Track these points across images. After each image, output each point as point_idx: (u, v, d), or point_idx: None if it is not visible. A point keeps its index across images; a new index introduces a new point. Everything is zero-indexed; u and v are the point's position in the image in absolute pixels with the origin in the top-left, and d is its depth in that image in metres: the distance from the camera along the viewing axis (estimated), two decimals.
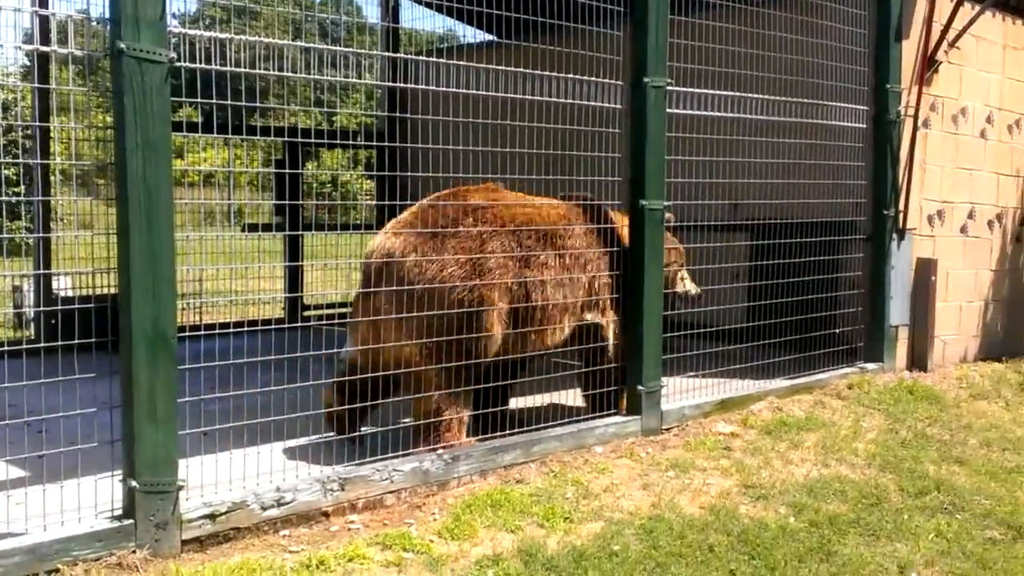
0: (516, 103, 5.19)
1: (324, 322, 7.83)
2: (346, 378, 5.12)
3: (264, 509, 4.11)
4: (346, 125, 11.51)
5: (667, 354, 5.85)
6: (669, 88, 5.66)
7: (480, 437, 5.15)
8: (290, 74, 4.64)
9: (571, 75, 5.37)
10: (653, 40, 5.53)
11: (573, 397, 5.96)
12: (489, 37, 10.27)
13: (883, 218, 7.45)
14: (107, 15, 3.76)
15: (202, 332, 4.37)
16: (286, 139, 8.82)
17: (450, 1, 6.19)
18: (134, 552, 3.73)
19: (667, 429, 5.80)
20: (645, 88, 5.52)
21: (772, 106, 6.43)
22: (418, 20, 11.54)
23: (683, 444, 5.61)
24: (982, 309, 8.63)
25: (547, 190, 5.80)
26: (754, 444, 5.70)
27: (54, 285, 8.14)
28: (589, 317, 5.62)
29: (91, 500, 3.82)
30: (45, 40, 4.16)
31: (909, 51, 7.53)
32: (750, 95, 6.25)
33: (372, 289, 5.00)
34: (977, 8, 7.86)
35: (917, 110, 7.52)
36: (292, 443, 4.45)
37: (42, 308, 7.21)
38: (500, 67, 5.08)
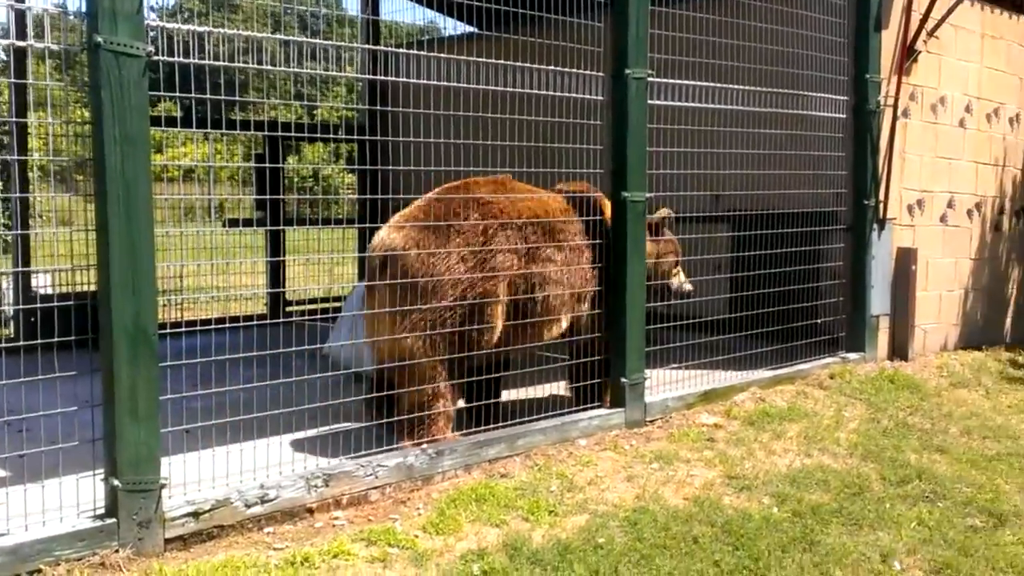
0: (498, 95, 5.18)
1: (307, 318, 7.82)
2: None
3: (248, 506, 4.10)
4: (327, 119, 11.45)
5: (650, 346, 5.86)
6: (650, 79, 5.65)
7: (475, 429, 5.17)
8: (270, 67, 4.61)
9: (553, 67, 5.36)
10: (634, 31, 5.52)
11: (557, 389, 5.97)
12: (470, 29, 10.25)
13: (863, 208, 7.48)
14: (84, 9, 3.73)
15: (183, 329, 4.34)
16: (266, 133, 8.78)
17: None
18: (117, 551, 3.71)
19: (651, 421, 5.81)
20: (626, 79, 5.52)
21: (753, 97, 6.45)
22: (399, 12, 11.51)
23: (667, 436, 5.63)
24: (962, 298, 8.69)
25: (531, 183, 5.80)
26: (737, 435, 5.72)
27: (33, 283, 8.08)
28: (586, 308, 5.65)
29: (73, 499, 3.80)
30: (21, 34, 4.12)
31: (888, 41, 7.55)
32: (731, 86, 6.26)
33: (376, 282, 5.09)
34: None
35: (897, 100, 7.56)
36: (276, 440, 4.43)
37: (21, 306, 7.16)
38: (482, 59, 5.06)
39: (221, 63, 4.16)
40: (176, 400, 4.05)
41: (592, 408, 5.66)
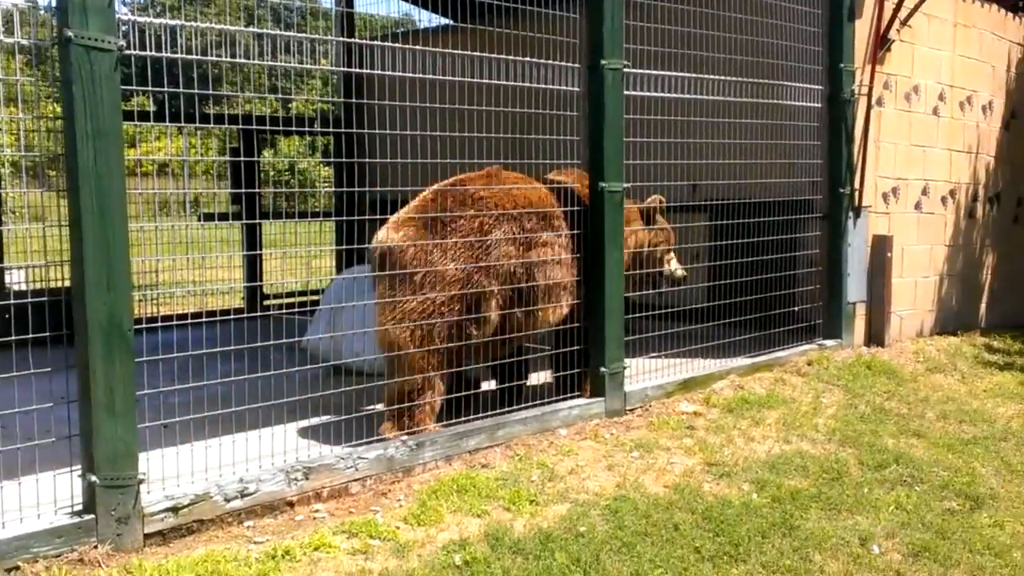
0: (475, 87, 5.17)
1: (284, 311, 7.79)
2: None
3: (228, 500, 4.08)
4: (302, 112, 11.40)
5: (629, 336, 5.87)
6: (626, 70, 5.66)
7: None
8: (244, 61, 4.58)
9: (529, 59, 5.35)
10: (609, 22, 5.52)
11: (539, 379, 5.98)
12: (446, 21, 10.21)
13: (839, 196, 7.53)
14: (54, 3, 3.69)
15: (160, 324, 4.32)
16: (241, 127, 8.72)
17: None
18: (96, 547, 3.68)
19: (631, 410, 5.83)
20: (602, 71, 5.52)
21: (728, 87, 6.47)
22: (373, 4, 11.46)
23: (647, 424, 5.65)
24: (937, 284, 8.76)
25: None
26: (716, 422, 5.75)
27: (7, 279, 8.00)
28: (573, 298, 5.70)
29: (50, 496, 3.78)
30: None
31: (862, 30, 7.59)
32: (707, 76, 6.28)
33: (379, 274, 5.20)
34: None
35: (871, 89, 7.60)
36: (255, 434, 4.42)
37: None
38: (457, 51, 5.05)
39: (194, 57, 4.13)
40: (153, 395, 4.02)
41: (572, 398, 5.67)
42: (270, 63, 4.53)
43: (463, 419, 5.17)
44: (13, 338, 3.69)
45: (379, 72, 4.85)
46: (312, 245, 8.86)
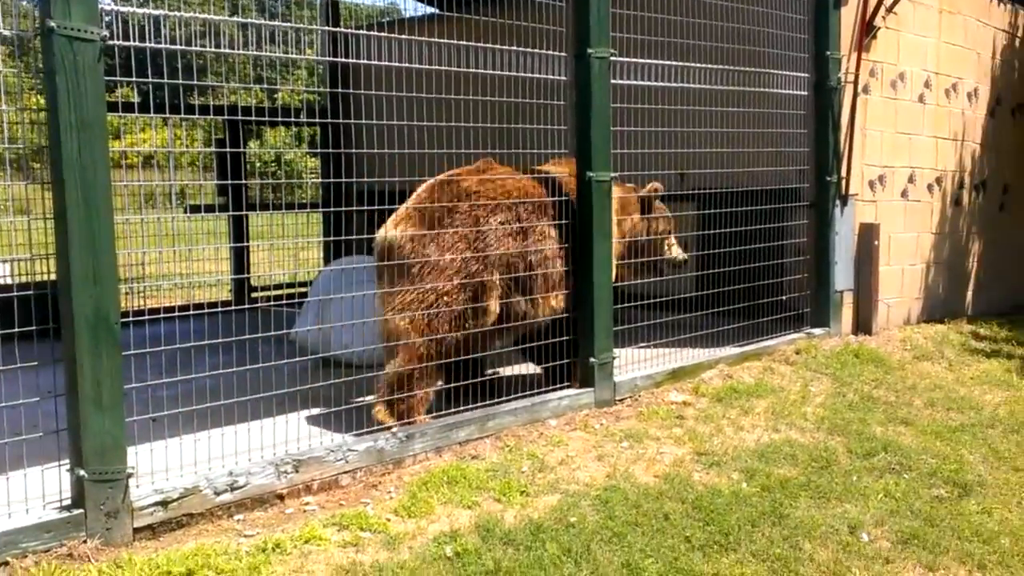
0: (461, 76, 5.15)
1: (272, 303, 7.76)
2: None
3: (217, 494, 4.07)
4: (288, 102, 11.34)
5: (618, 326, 5.88)
6: (613, 59, 5.64)
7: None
8: (229, 51, 4.55)
9: (516, 47, 5.33)
10: (595, 11, 5.50)
11: (527, 368, 5.97)
12: (431, 10, 10.17)
13: (826, 184, 7.53)
14: None
15: (147, 317, 4.29)
16: (226, 117, 8.67)
17: None
18: (85, 542, 3.66)
19: (620, 400, 5.83)
20: (589, 59, 5.50)
21: (715, 75, 6.46)
22: None
23: (636, 414, 5.65)
24: (924, 272, 8.79)
25: (501, 163, 5.77)
26: (706, 412, 5.75)
27: None
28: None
29: (39, 491, 3.75)
30: None
31: (848, 17, 7.59)
32: (693, 64, 6.26)
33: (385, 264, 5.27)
34: None
35: (857, 76, 7.60)
36: (244, 426, 4.40)
37: None
38: (444, 40, 5.03)
39: (179, 47, 4.09)
40: (142, 389, 4.00)
41: (562, 388, 5.66)
42: (255, 53, 4.50)
43: (453, 410, 5.17)
44: None
45: (365, 62, 4.82)
46: (299, 236, 8.83)
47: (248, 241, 8.84)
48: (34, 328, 3.71)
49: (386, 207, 5.04)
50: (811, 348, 7.17)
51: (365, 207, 5.10)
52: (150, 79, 4.06)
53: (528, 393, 5.53)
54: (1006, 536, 4.38)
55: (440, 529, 4.03)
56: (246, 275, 8.64)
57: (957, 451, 5.46)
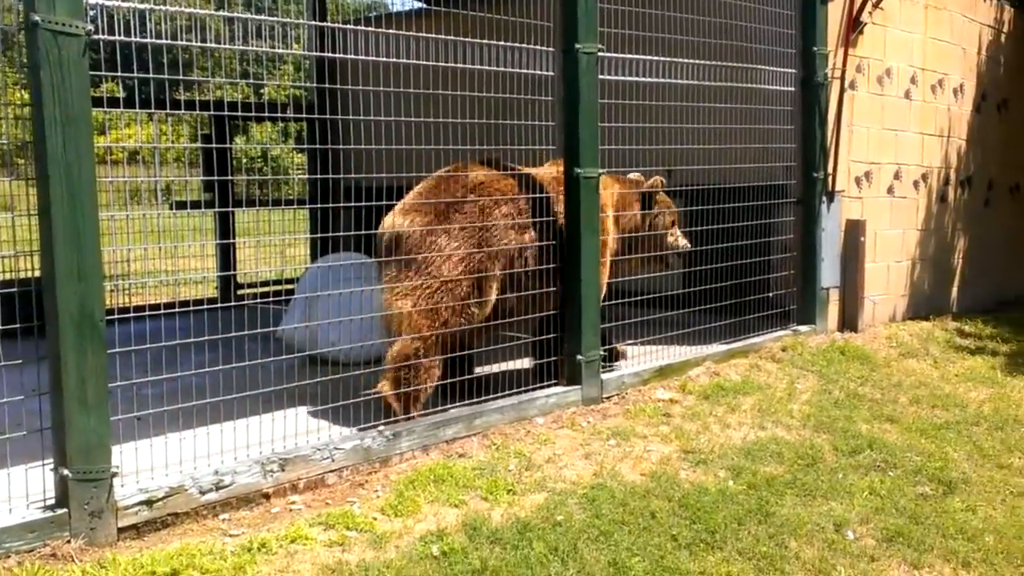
0: (448, 72, 5.12)
1: (259, 300, 7.73)
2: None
3: (203, 493, 4.04)
4: (274, 98, 11.29)
5: (605, 323, 5.88)
6: (601, 54, 5.63)
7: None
8: (215, 46, 4.52)
9: (503, 42, 5.31)
10: (583, 5, 5.48)
11: (515, 366, 5.96)
12: (419, 5, 10.14)
13: (812, 181, 7.54)
14: None
15: (132, 314, 4.26)
16: (213, 113, 8.62)
17: None
18: (69, 542, 3.64)
19: (607, 398, 5.83)
20: (576, 54, 5.49)
21: (703, 71, 6.45)
22: None
23: (623, 412, 5.65)
24: (909, 269, 8.82)
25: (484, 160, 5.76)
26: (693, 409, 5.76)
27: None
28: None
29: (22, 490, 3.73)
30: None
31: (835, 13, 7.60)
32: (681, 60, 6.26)
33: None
34: None
35: (843, 72, 7.61)
36: (230, 425, 4.38)
37: None
38: (431, 35, 5.00)
39: (164, 41, 4.06)
40: (126, 387, 3.97)
41: (549, 386, 5.66)
42: (241, 48, 4.47)
43: (440, 408, 5.16)
44: None
45: (352, 57, 4.79)
46: (286, 233, 8.80)
47: (234, 238, 8.80)
48: (18, 326, 3.68)
49: (373, 203, 5.01)
50: (797, 345, 7.19)
51: (352, 203, 5.08)
52: (135, 74, 4.03)
53: (515, 391, 5.52)
54: (990, 534, 4.41)
55: (427, 528, 4.02)
56: (232, 272, 8.60)
57: (942, 448, 5.49)
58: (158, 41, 4.00)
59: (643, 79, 6.03)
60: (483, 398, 5.34)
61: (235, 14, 4.42)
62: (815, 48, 7.41)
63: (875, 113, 8.16)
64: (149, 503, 3.88)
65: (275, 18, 4.60)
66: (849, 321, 7.94)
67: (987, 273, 10.08)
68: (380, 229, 5.40)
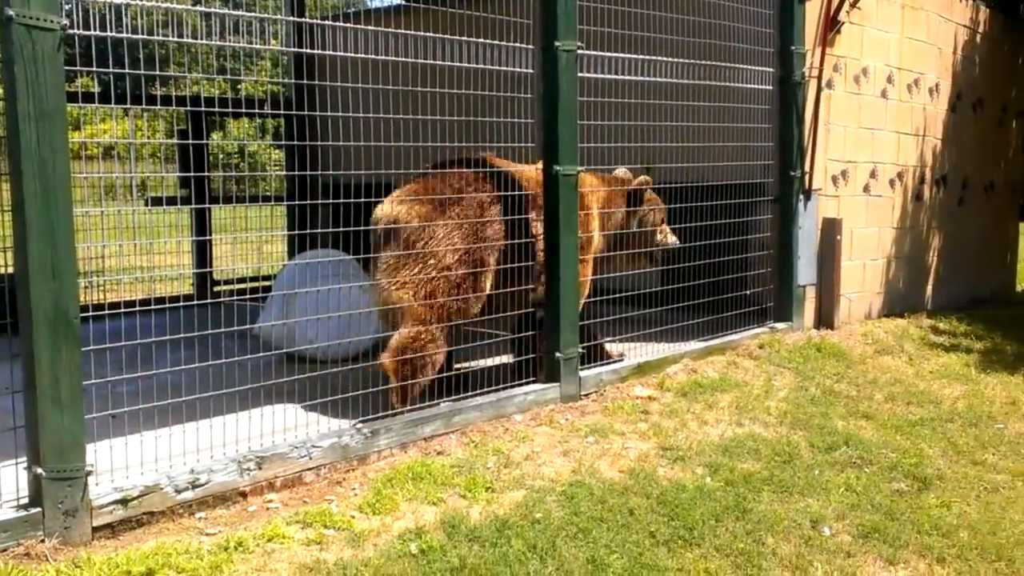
0: (427, 68, 5.11)
1: (236, 297, 7.68)
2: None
3: (178, 492, 4.01)
4: (252, 93, 11.22)
5: (584, 320, 5.88)
6: (580, 52, 5.63)
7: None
8: (191, 41, 4.48)
9: (483, 39, 5.30)
10: (563, 3, 5.48)
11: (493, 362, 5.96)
12: (398, 1, 10.10)
13: (790, 179, 7.58)
14: None
15: (107, 311, 4.22)
16: (189, 108, 8.56)
17: None
18: (43, 541, 3.60)
19: (586, 395, 5.84)
20: (556, 52, 5.48)
21: (681, 69, 6.46)
22: None
23: (601, 409, 5.66)
24: (885, 266, 8.88)
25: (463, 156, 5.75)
26: (671, 407, 5.77)
27: None
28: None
29: None
30: None
31: (812, 12, 7.63)
32: (660, 58, 6.27)
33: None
34: None
35: (821, 71, 7.65)
36: (206, 423, 4.35)
37: None
38: (410, 32, 4.98)
39: (140, 37, 4.02)
40: (101, 385, 3.93)
41: (527, 383, 5.66)
42: (218, 43, 4.44)
43: (420, 405, 5.14)
44: None
45: (330, 53, 4.77)
46: (263, 230, 8.75)
47: (210, 234, 8.74)
48: None
49: (351, 200, 4.99)
50: (774, 342, 7.22)
51: (330, 200, 5.05)
52: (111, 69, 3.99)
53: (493, 388, 5.52)
54: (964, 529, 4.44)
55: (405, 526, 4.01)
56: (208, 269, 8.55)
57: (917, 445, 5.53)
58: (134, 36, 3.97)
59: (622, 77, 6.04)
60: (462, 395, 5.33)
61: (212, 9, 4.39)
62: (793, 47, 7.44)
63: (852, 112, 8.21)
64: (124, 502, 3.85)
65: (253, 13, 4.57)
66: (825, 318, 7.98)
67: (961, 271, 10.16)
68: (374, 217, 5.38)
